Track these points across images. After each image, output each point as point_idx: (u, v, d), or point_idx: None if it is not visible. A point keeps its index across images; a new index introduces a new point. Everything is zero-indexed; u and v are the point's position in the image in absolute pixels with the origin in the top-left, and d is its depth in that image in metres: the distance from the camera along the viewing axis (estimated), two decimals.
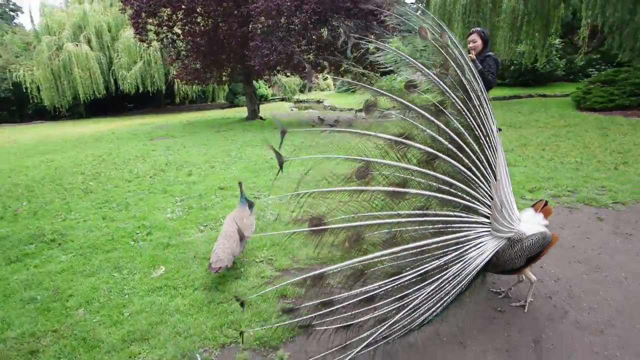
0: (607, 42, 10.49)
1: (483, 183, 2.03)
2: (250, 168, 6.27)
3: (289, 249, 3.25)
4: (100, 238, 3.71)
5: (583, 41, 10.64)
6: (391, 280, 1.89)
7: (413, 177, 1.99)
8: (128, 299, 2.64)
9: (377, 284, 1.88)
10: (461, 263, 1.99)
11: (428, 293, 1.91)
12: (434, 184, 1.96)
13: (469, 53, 4.37)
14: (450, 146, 1.96)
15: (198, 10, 12.12)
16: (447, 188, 1.98)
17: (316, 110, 19.34)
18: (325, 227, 1.82)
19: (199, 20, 12.75)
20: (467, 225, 2.04)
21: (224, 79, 15.66)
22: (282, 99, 27.75)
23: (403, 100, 1.95)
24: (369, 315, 1.88)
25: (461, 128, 1.98)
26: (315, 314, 1.86)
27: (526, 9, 12.28)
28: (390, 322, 1.86)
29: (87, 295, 2.71)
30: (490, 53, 4.03)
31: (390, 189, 1.92)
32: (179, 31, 13.07)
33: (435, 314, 1.98)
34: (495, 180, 2.02)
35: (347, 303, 1.86)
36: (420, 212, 1.96)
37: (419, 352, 2.03)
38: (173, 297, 2.62)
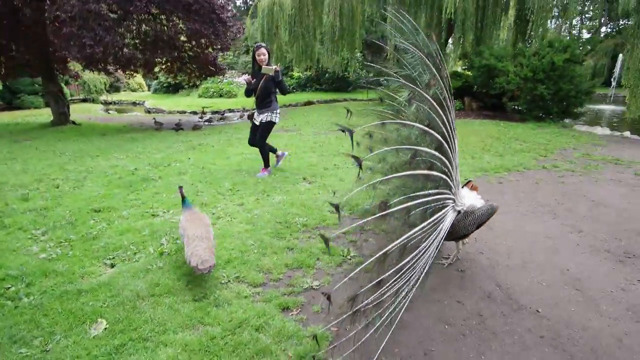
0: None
1: (453, 166, 2.48)
2: (117, 182, 5.12)
3: (249, 262, 2.97)
4: None
5: (390, 57, 13.45)
6: (416, 253, 2.12)
7: (435, 161, 2.31)
8: None
9: (409, 257, 2.09)
10: (442, 232, 2.39)
11: (425, 260, 2.21)
12: (442, 167, 2.31)
13: (275, 65, 5.12)
14: (447, 135, 2.33)
15: None
16: (446, 170, 2.36)
17: (139, 113, 16.97)
18: (391, 209, 2.02)
19: None
20: (448, 201, 2.48)
21: (2, 72, 11.82)
22: (84, 100, 22.97)
23: (427, 96, 2.20)
24: (392, 290, 2.04)
25: (451, 120, 2.38)
26: (370, 296, 1.93)
27: (342, 26, 14.41)
28: (402, 294, 2.05)
29: None
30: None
31: (426, 172, 2.23)
32: None
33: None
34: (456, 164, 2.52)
35: (391, 280, 1.99)
36: (436, 191, 2.30)
37: (432, 317, 2.33)
38: (154, 350, 2.03)
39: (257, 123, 5.34)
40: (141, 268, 2.89)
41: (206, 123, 12.24)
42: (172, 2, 9.35)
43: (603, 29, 17.30)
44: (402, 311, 2.00)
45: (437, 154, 2.33)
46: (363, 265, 1.93)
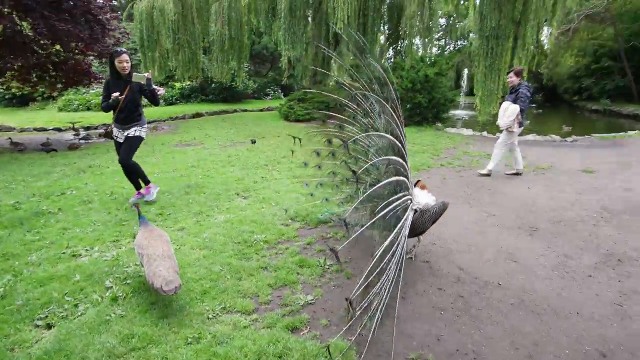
0: (295, 70, 14.13)
1: (408, 167, 2.77)
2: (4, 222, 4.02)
3: (229, 290, 2.74)
4: None
5: (285, 68, 13.72)
6: (391, 253, 2.38)
7: (400, 168, 2.57)
8: None
9: (387, 257, 2.34)
10: (406, 231, 2.67)
11: (398, 259, 2.46)
12: (403, 170, 2.61)
13: (146, 73, 4.51)
14: (402, 139, 2.63)
15: None
16: (405, 173, 2.66)
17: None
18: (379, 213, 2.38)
19: None
20: (408, 201, 2.77)
21: None
22: None
23: (388, 108, 2.51)
24: (377, 291, 2.27)
25: (402, 124, 2.68)
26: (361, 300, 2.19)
27: (230, 35, 14.11)
28: (384, 293, 2.29)
29: None
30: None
31: (397, 178, 2.56)
32: None
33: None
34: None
35: (378, 282, 2.25)
36: (402, 194, 2.65)
37: (426, 307, 2.57)
38: None
39: (121, 140, 4.59)
40: (96, 321, 2.38)
41: (83, 141, 10.46)
42: None
43: (447, 48, 21.18)
44: (397, 306, 2.22)
45: (400, 160, 2.61)
46: (370, 263, 2.12)
